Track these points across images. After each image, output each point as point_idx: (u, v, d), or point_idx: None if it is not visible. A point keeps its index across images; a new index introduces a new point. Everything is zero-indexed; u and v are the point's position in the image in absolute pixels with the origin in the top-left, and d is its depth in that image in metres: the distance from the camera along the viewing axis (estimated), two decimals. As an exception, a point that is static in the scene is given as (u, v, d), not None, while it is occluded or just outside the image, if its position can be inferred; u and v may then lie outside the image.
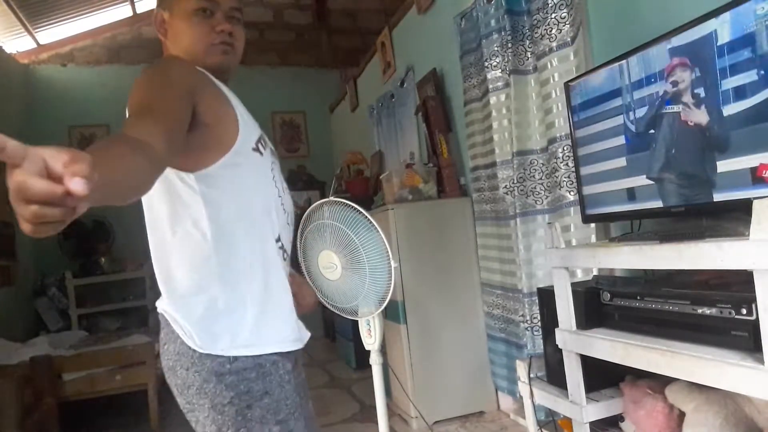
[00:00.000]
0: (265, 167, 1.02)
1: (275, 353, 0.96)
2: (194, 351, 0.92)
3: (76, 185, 0.45)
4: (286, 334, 1.01)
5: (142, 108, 0.82)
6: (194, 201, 0.93)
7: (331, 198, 1.70)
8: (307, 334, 1.09)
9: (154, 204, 0.97)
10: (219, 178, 0.94)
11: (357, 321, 1.88)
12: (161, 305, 0.99)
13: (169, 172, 0.92)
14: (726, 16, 1.21)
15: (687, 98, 1.32)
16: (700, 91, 1.29)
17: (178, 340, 0.94)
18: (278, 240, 1.02)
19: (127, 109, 0.85)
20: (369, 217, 1.67)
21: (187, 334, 0.93)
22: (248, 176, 0.98)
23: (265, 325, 0.97)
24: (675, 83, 1.35)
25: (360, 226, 1.65)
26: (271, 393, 0.93)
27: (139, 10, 4.94)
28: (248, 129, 0.98)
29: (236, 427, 0.91)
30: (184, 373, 0.93)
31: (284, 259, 1.04)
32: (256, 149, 1.00)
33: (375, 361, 1.89)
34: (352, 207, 1.66)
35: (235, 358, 0.92)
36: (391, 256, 1.66)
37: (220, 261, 0.94)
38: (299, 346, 1.04)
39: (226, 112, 0.96)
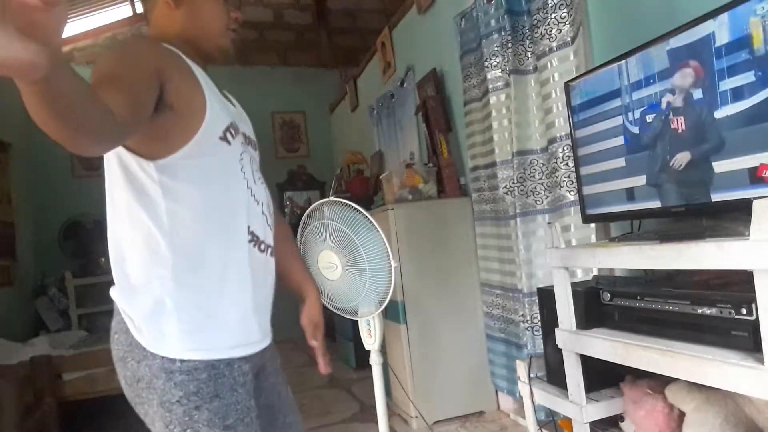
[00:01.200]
0: (232, 157, 0.96)
1: (224, 359, 0.92)
2: (142, 346, 0.89)
3: None
4: (243, 338, 0.96)
5: (103, 78, 0.76)
6: (153, 191, 0.89)
7: (331, 198, 1.70)
8: (268, 339, 1.03)
9: (114, 191, 0.93)
10: (180, 168, 0.89)
11: (357, 321, 1.88)
12: (113, 293, 0.95)
13: (130, 160, 0.88)
14: (725, 16, 1.21)
15: (686, 99, 1.32)
16: (699, 92, 1.29)
17: (128, 333, 0.91)
18: (248, 232, 0.97)
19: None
20: (369, 217, 1.67)
21: (137, 328, 0.90)
22: (212, 167, 0.93)
23: (219, 329, 0.93)
24: (673, 84, 1.35)
25: (360, 226, 1.65)
26: (221, 396, 0.89)
27: (139, 10, 4.94)
28: (215, 117, 0.92)
29: (182, 427, 0.88)
30: (134, 365, 0.90)
31: (260, 250, 1.00)
32: (224, 138, 0.94)
33: (375, 361, 1.89)
34: (352, 207, 1.66)
35: (176, 360, 0.88)
36: (391, 255, 1.66)
37: (175, 257, 0.90)
38: (255, 350, 0.98)
39: (193, 96, 0.90)
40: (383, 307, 1.72)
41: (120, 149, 0.88)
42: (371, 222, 1.66)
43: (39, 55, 0.46)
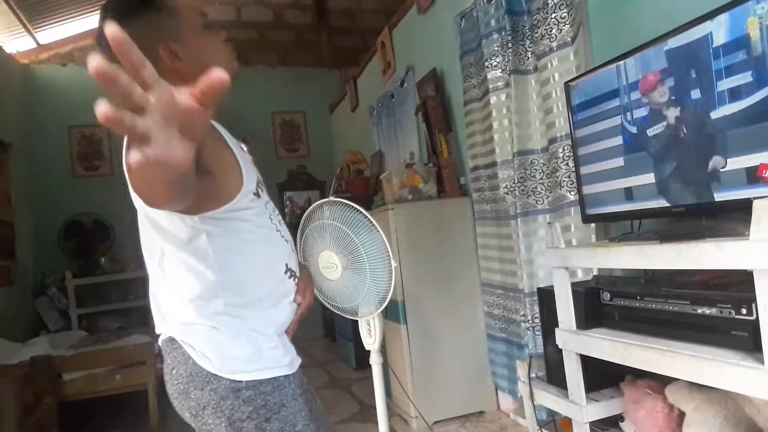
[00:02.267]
0: (263, 207, 1.04)
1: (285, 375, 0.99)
2: (204, 370, 0.93)
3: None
4: (292, 356, 1.04)
5: None
6: (198, 239, 0.94)
7: (331, 198, 1.70)
8: (299, 359, 1.11)
9: (154, 245, 0.97)
10: (221, 220, 0.95)
11: (357, 321, 1.88)
12: (166, 330, 1.00)
13: (166, 215, 0.92)
14: (722, 17, 1.21)
15: (683, 99, 1.32)
16: (696, 93, 1.29)
17: (190, 361, 0.94)
18: (287, 270, 1.06)
19: None
20: (369, 216, 1.67)
21: (200, 355, 0.94)
22: (249, 219, 0.99)
23: (275, 349, 1.00)
24: (670, 85, 1.35)
25: (360, 226, 1.65)
26: (287, 405, 0.95)
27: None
28: (249, 177, 0.99)
29: None
30: (198, 393, 0.93)
31: (294, 281, 1.09)
32: (256, 193, 1.01)
33: (375, 361, 1.89)
34: (352, 207, 1.66)
35: (235, 381, 0.93)
36: (391, 255, 1.66)
37: (226, 295, 0.97)
38: (299, 363, 1.08)
39: (226, 159, 0.97)
40: (383, 306, 1.72)
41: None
42: (371, 222, 1.66)
43: (191, 153, 0.50)
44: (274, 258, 1.05)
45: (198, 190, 0.78)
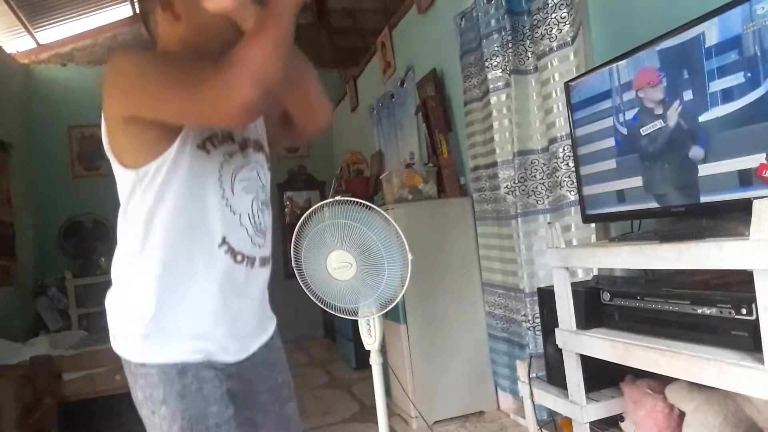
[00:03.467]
0: (210, 167, 0.94)
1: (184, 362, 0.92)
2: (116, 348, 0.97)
3: None
4: (202, 345, 0.93)
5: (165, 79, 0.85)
6: (132, 195, 0.92)
7: (338, 198, 1.70)
8: (248, 351, 1.01)
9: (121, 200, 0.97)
10: (154, 176, 0.90)
11: (357, 321, 1.88)
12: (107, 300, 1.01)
13: (119, 168, 0.92)
14: (723, 17, 1.21)
15: (679, 100, 1.32)
16: (689, 94, 1.29)
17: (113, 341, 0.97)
18: (223, 243, 0.95)
19: (142, 99, 0.85)
20: (384, 213, 1.71)
21: (112, 334, 0.96)
22: (184, 177, 0.92)
23: (173, 334, 0.92)
24: (667, 85, 1.35)
25: (374, 223, 1.68)
26: (168, 402, 0.90)
27: (139, 10, 4.94)
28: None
29: (150, 429, 0.94)
30: (124, 373, 0.97)
31: (236, 261, 0.97)
32: (202, 147, 0.93)
33: (375, 361, 1.89)
34: (364, 205, 1.68)
35: (140, 364, 0.91)
36: (407, 248, 1.70)
37: (147, 263, 0.92)
38: (224, 359, 0.96)
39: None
40: (401, 295, 1.76)
41: (112, 160, 0.93)
42: (386, 218, 1.70)
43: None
44: (202, 226, 0.94)
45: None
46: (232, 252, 0.96)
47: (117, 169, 0.93)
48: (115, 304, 0.97)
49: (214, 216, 0.95)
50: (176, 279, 0.93)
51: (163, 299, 0.92)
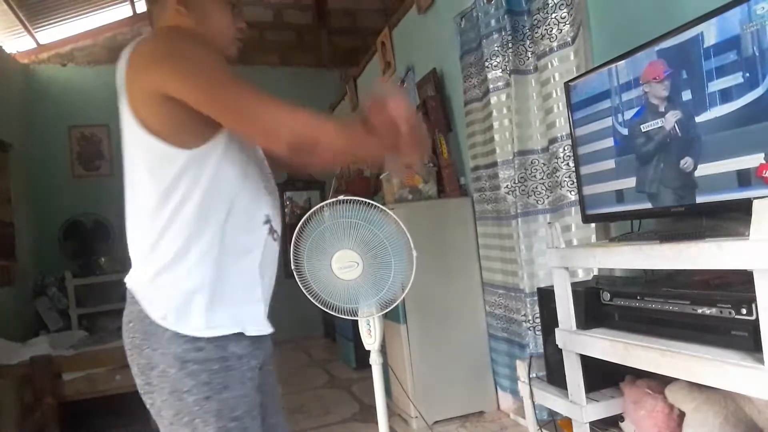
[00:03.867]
0: (250, 151, 1.03)
1: (243, 347, 0.96)
2: (165, 331, 0.91)
3: None
4: (252, 319, 0.99)
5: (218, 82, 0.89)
6: (186, 177, 0.92)
7: (347, 197, 1.71)
8: (271, 327, 1.06)
9: (140, 185, 0.95)
10: (209, 156, 0.93)
11: (357, 321, 1.88)
12: (134, 280, 0.98)
13: (164, 147, 0.91)
14: (722, 17, 1.21)
15: (678, 100, 1.32)
16: (689, 94, 1.29)
17: (147, 319, 0.93)
18: (267, 221, 1.02)
19: (196, 90, 0.88)
20: (389, 211, 1.72)
21: (159, 312, 0.92)
22: (236, 157, 0.97)
23: (241, 308, 0.97)
24: (666, 86, 1.35)
25: (379, 222, 1.69)
26: (230, 388, 0.92)
27: (139, 10, 4.94)
28: None
29: (191, 417, 0.91)
30: (150, 353, 0.93)
31: (274, 239, 1.04)
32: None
33: (375, 361, 1.89)
34: (368, 204, 1.69)
35: (202, 347, 0.91)
36: (412, 245, 1.72)
37: (207, 240, 0.94)
38: (264, 332, 1.02)
39: None
40: (405, 292, 1.77)
41: (150, 139, 0.91)
42: (392, 217, 1.73)
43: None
44: (253, 203, 1.00)
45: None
46: (271, 230, 1.03)
47: (158, 147, 0.91)
48: (169, 282, 0.94)
49: (260, 196, 1.02)
50: (232, 256, 0.96)
51: (223, 276, 0.95)
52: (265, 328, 1.02)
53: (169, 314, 0.92)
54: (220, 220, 0.95)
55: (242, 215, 0.98)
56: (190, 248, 0.93)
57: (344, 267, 1.70)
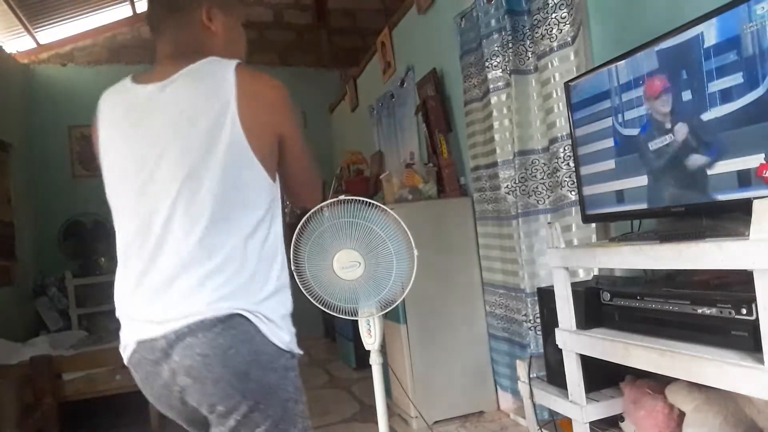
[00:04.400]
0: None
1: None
2: (274, 347, 0.94)
3: None
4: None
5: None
6: (272, 204, 1.01)
7: (348, 197, 1.71)
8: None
9: (231, 209, 0.94)
10: (276, 191, 1.04)
11: (357, 321, 1.88)
12: (236, 305, 0.91)
13: (265, 175, 0.98)
14: (723, 17, 1.21)
15: (678, 100, 1.32)
16: (688, 94, 1.29)
17: (255, 339, 0.91)
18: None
19: (295, 138, 1.04)
20: (390, 211, 1.73)
21: (271, 331, 0.93)
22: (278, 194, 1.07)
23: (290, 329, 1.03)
24: (665, 86, 1.35)
25: (380, 221, 1.69)
26: (300, 388, 1.01)
27: (139, 10, 4.94)
28: None
29: (291, 422, 0.98)
30: (259, 373, 0.92)
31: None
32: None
33: (375, 361, 1.89)
34: (370, 204, 1.70)
35: (293, 354, 0.98)
36: (414, 244, 1.74)
37: (282, 264, 1.02)
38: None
39: None
40: (407, 291, 1.78)
41: (258, 166, 0.97)
42: (394, 216, 1.74)
43: None
44: (284, 236, 1.09)
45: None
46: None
47: (261, 175, 0.97)
48: (275, 304, 0.97)
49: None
50: (287, 278, 1.04)
51: (288, 298, 1.03)
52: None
53: (281, 332, 0.97)
54: (281, 244, 1.04)
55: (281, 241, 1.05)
56: (281, 275, 1.01)
57: (346, 267, 1.70)
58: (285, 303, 1.00)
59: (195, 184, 0.92)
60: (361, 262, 1.69)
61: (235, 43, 1.12)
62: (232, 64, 0.96)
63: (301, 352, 1.01)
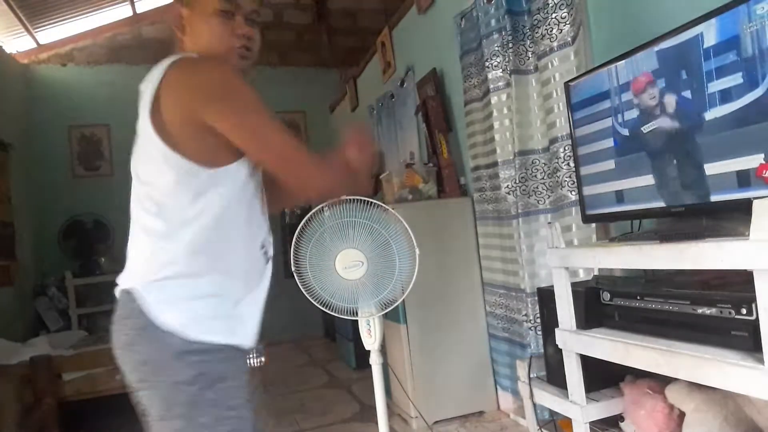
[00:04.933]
0: (255, 180, 1.07)
1: (237, 346, 1.00)
2: (160, 326, 0.93)
3: None
4: (253, 331, 1.05)
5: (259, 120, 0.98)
6: (207, 191, 0.97)
7: (344, 197, 1.71)
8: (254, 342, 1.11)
9: (162, 185, 0.97)
10: (226, 178, 0.99)
11: (357, 321, 1.88)
12: (130, 282, 0.97)
13: (191, 164, 0.95)
14: (722, 17, 1.21)
15: (677, 100, 1.32)
16: (688, 94, 1.29)
17: (143, 316, 0.93)
18: (262, 246, 1.09)
19: (242, 133, 0.96)
20: (392, 210, 1.74)
21: (158, 311, 0.94)
22: (246, 183, 1.03)
23: (238, 320, 1.01)
24: (665, 86, 1.35)
25: (382, 221, 1.70)
26: (226, 378, 0.95)
27: (139, 10, 4.94)
28: None
29: (188, 408, 0.92)
30: (145, 348, 0.94)
31: (267, 262, 1.11)
32: (253, 164, 1.06)
33: (375, 361, 1.89)
34: (372, 203, 1.70)
35: (197, 342, 0.94)
36: (415, 243, 1.75)
37: (217, 251, 0.99)
38: (248, 345, 1.05)
39: None
40: (408, 290, 1.78)
41: (176, 156, 0.95)
42: (395, 215, 1.75)
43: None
44: (251, 228, 1.06)
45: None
46: (266, 254, 1.10)
47: (184, 165, 0.95)
48: (176, 289, 0.97)
49: (259, 222, 1.08)
50: (240, 274, 1.03)
51: (232, 288, 1.01)
52: (248, 342, 1.04)
53: (170, 316, 0.94)
54: (226, 241, 1.00)
55: (240, 241, 1.03)
56: (200, 259, 0.98)
57: (349, 266, 1.71)
58: (195, 288, 0.97)
59: (136, 173, 1.02)
60: (364, 261, 1.69)
61: (201, 36, 1.04)
62: (170, 60, 0.97)
63: (213, 341, 0.95)
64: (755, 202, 1.03)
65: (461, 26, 2.64)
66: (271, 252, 1.13)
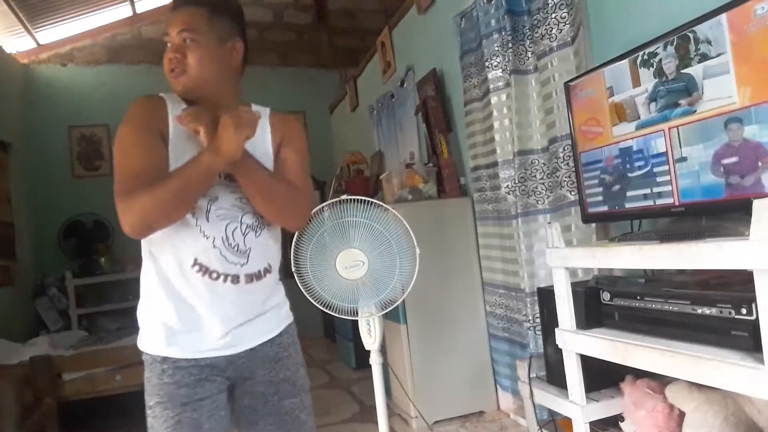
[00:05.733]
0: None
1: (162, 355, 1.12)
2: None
3: None
4: (183, 343, 1.12)
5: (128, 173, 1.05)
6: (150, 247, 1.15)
7: (350, 197, 1.71)
8: (241, 348, 1.16)
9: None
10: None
11: (357, 321, 1.88)
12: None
13: None
14: (722, 17, 1.21)
15: (677, 100, 1.32)
16: (688, 94, 1.29)
17: None
18: (195, 263, 1.10)
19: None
20: (392, 210, 1.74)
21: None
22: None
23: (157, 333, 1.13)
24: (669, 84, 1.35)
25: (383, 221, 1.70)
26: (150, 381, 1.11)
27: (139, 10, 4.94)
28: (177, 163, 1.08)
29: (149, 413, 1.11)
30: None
31: (212, 278, 1.11)
32: None
33: (375, 361, 1.89)
34: (372, 203, 1.71)
35: (148, 354, 1.13)
36: (416, 243, 1.76)
37: (146, 277, 1.15)
38: (212, 354, 1.13)
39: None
40: (406, 293, 1.79)
41: None
42: (395, 214, 1.76)
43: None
44: (175, 248, 1.11)
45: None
46: (206, 270, 1.11)
47: None
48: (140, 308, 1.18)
49: (187, 242, 1.10)
50: (162, 295, 1.12)
51: (158, 308, 1.13)
52: (212, 352, 1.13)
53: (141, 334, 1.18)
54: (158, 261, 1.13)
55: (167, 260, 1.12)
56: (147, 284, 1.16)
57: (349, 266, 1.71)
58: (150, 310, 1.16)
59: None
60: (365, 261, 1.69)
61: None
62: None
63: (153, 353, 1.12)
64: (755, 202, 1.03)
65: (461, 26, 2.64)
66: (217, 267, 1.12)
